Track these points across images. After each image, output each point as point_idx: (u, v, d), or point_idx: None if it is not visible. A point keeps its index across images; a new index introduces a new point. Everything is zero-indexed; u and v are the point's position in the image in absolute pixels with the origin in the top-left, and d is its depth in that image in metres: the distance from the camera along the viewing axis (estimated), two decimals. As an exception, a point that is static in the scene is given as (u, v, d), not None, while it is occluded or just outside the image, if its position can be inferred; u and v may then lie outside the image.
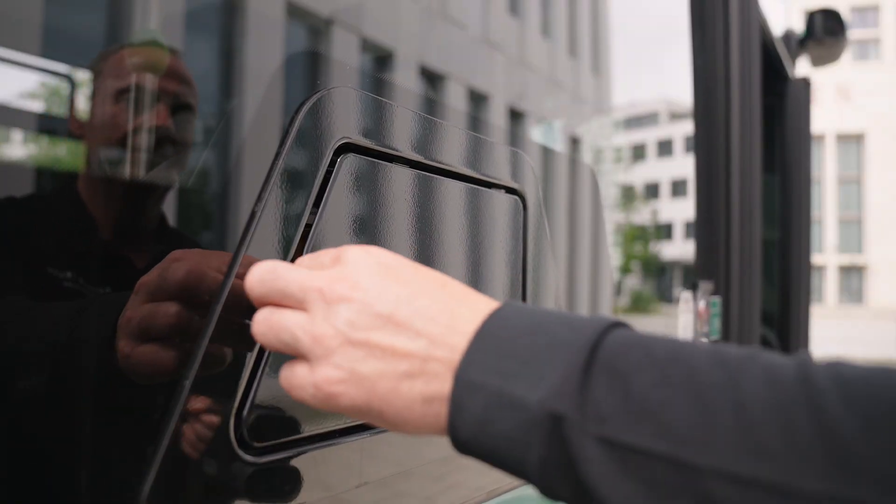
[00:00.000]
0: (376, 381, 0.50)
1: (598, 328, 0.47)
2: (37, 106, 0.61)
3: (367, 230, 0.97)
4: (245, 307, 0.60)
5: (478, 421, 0.48)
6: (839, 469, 0.37)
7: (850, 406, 0.39)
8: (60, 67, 0.62)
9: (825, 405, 0.39)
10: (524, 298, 1.15)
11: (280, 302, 0.55)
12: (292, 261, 0.69)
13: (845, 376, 0.41)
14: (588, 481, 0.43)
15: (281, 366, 0.56)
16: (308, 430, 0.80)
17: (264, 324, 0.55)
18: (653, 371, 0.44)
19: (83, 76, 0.64)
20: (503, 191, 1.10)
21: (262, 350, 0.72)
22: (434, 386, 0.50)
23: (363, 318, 0.51)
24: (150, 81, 0.68)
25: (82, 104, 0.64)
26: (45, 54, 0.60)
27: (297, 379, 0.53)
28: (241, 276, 0.59)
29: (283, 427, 0.76)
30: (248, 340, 0.60)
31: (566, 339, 0.47)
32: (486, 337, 0.49)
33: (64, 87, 0.63)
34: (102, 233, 0.67)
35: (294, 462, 0.74)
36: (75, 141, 0.64)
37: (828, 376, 0.41)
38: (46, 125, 0.62)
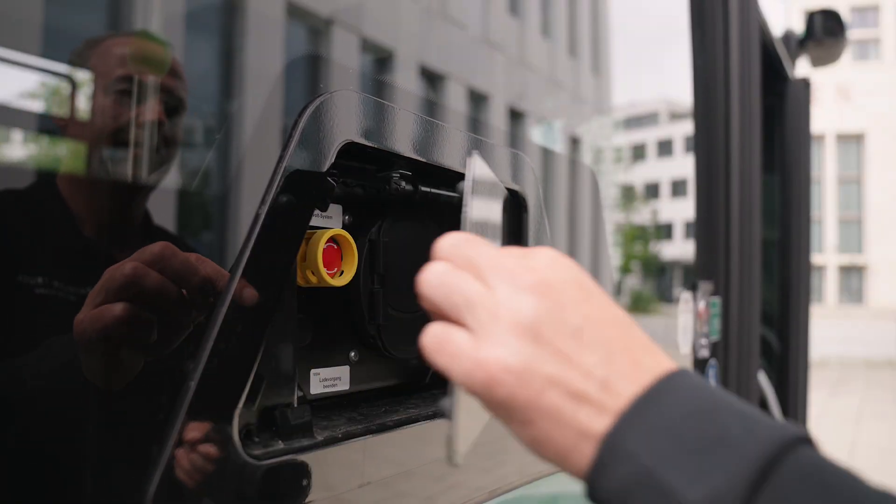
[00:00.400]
0: (547, 388, 0.47)
1: (779, 442, 0.43)
2: (18, 102, 0.59)
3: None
4: (248, 310, 0.61)
5: (618, 492, 0.45)
6: None
7: None
8: (47, 64, 0.60)
9: None
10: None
11: (463, 266, 0.52)
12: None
13: None
14: None
15: (423, 330, 0.51)
16: (312, 430, 0.80)
17: (438, 278, 0.51)
18: None
19: (66, 69, 0.62)
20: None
21: (266, 351, 0.72)
22: (595, 424, 0.46)
23: (552, 319, 0.48)
24: (138, 74, 0.66)
25: (65, 98, 0.62)
26: (37, 51, 0.60)
27: (455, 347, 0.48)
28: (246, 278, 0.59)
29: (287, 428, 0.77)
30: (252, 341, 0.60)
31: (739, 441, 0.43)
32: (653, 404, 0.45)
33: (46, 81, 0.61)
34: (85, 230, 0.65)
35: (297, 462, 0.74)
36: (56, 136, 0.62)
37: None
38: (26, 121, 0.60)
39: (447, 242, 0.54)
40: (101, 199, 0.66)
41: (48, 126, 0.60)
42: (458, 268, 0.52)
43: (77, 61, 0.62)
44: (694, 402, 0.45)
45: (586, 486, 0.48)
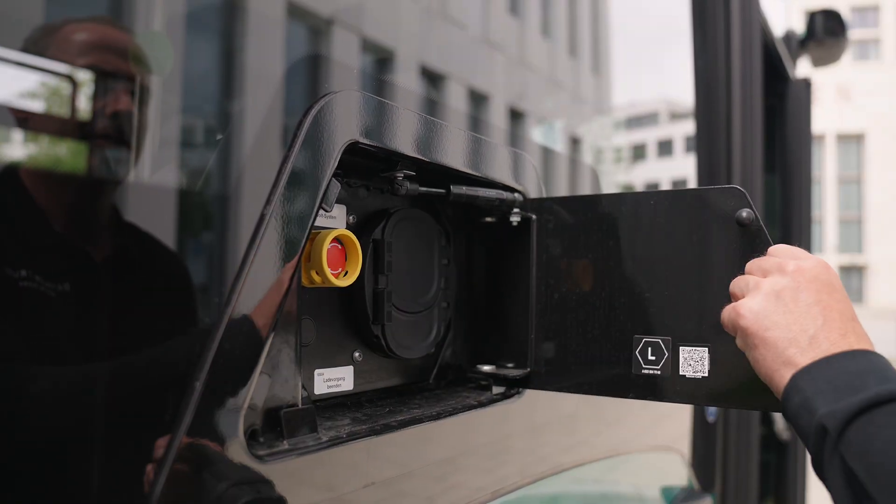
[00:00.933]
0: (772, 327, 0.77)
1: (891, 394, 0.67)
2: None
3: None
4: (253, 310, 0.60)
5: (793, 412, 0.73)
6: None
7: None
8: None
9: None
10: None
11: (757, 266, 0.85)
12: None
13: None
14: (827, 481, 0.69)
15: None
16: (316, 431, 0.80)
17: (755, 263, 0.85)
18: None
19: (21, 59, 0.58)
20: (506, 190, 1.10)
21: (270, 351, 0.72)
22: (796, 358, 0.75)
23: (793, 291, 0.78)
24: (98, 61, 0.63)
25: (25, 89, 0.58)
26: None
27: (731, 305, 0.83)
28: (251, 278, 0.59)
29: (292, 428, 0.77)
30: (257, 341, 0.60)
31: (867, 389, 0.68)
32: (832, 362, 0.72)
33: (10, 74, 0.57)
34: (54, 225, 0.64)
35: (301, 463, 0.74)
36: (21, 130, 0.59)
37: None
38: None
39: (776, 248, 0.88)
40: (64, 193, 0.64)
41: (8, 119, 0.58)
42: (754, 268, 0.86)
43: (33, 48, 0.59)
44: (857, 368, 0.71)
45: (781, 403, 0.76)
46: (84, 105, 0.62)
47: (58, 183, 0.63)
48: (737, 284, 0.85)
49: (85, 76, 0.63)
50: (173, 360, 0.66)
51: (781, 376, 0.75)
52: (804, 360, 0.74)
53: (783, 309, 0.78)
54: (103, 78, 0.64)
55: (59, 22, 0.62)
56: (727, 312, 0.84)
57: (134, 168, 0.67)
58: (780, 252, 0.85)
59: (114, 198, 0.67)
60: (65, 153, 0.63)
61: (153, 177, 0.68)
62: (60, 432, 0.58)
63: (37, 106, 0.59)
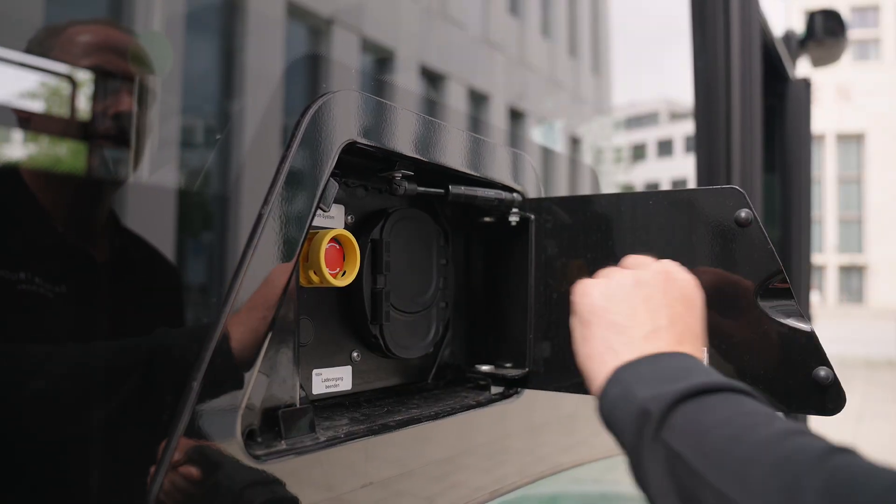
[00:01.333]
0: (614, 312, 0.75)
1: (722, 384, 0.63)
2: None
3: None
4: (259, 307, 0.60)
5: (609, 404, 0.68)
6: None
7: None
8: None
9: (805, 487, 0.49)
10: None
11: (640, 259, 0.84)
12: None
13: (840, 478, 0.49)
14: (645, 475, 0.61)
15: None
16: (314, 431, 0.80)
17: (633, 259, 0.85)
18: (727, 427, 0.58)
19: (24, 59, 0.58)
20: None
21: (269, 351, 0.72)
22: (621, 350, 0.72)
23: (653, 292, 0.77)
24: (102, 62, 0.63)
25: (28, 89, 0.58)
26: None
27: (595, 282, 0.81)
28: (249, 278, 0.59)
29: (290, 428, 0.77)
30: (255, 341, 0.60)
31: (693, 379, 0.64)
32: (660, 358, 0.69)
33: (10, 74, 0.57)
34: (57, 225, 0.64)
35: (299, 463, 0.74)
36: (23, 130, 0.59)
37: (828, 467, 0.49)
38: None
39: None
40: (67, 193, 0.64)
41: (11, 120, 0.58)
42: (629, 261, 0.85)
43: (38, 49, 0.59)
44: (685, 364, 0.68)
45: (597, 395, 0.71)
46: (88, 106, 0.62)
47: (60, 183, 0.63)
48: (602, 271, 0.84)
49: (89, 77, 0.63)
50: (171, 360, 0.66)
51: (603, 363, 0.72)
52: (631, 354, 0.71)
53: (632, 300, 0.76)
54: (108, 79, 0.64)
55: (63, 23, 0.63)
56: (577, 287, 0.82)
57: (136, 169, 0.67)
58: (665, 262, 0.82)
59: (116, 198, 0.67)
60: (67, 154, 0.63)
61: (151, 177, 0.68)
62: (58, 433, 0.58)
63: (40, 106, 0.59)
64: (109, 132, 0.64)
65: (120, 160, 0.66)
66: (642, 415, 0.63)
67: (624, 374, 0.69)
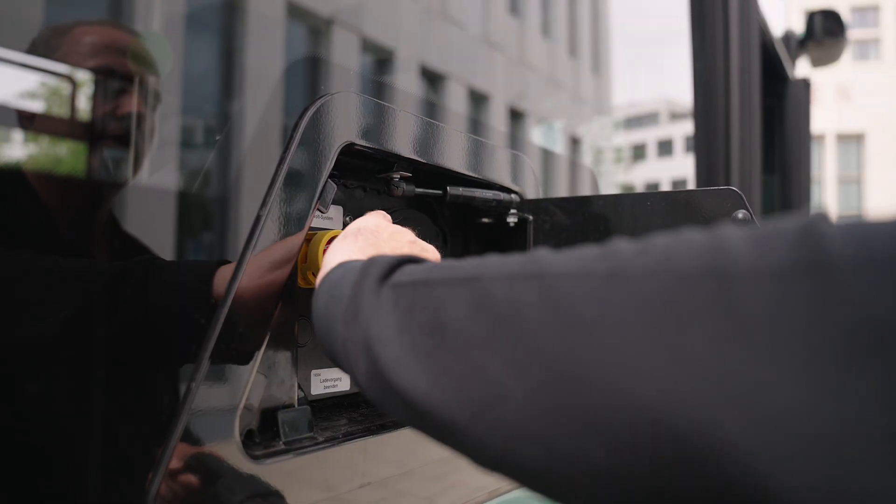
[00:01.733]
0: (375, 234, 0.70)
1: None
2: None
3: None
4: (252, 308, 0.60)
5: (328, 286, 0.61)
6: None
7: None
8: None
9: None
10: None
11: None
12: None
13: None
14: (362, 312, 0.53)
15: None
16: (312, 431, 0.80)
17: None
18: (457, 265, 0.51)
19: (25, 60, 0.57)
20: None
21: (267, 352, 0.72)
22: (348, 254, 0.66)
23: (378, 230, 0.72)
24: (106, 63, 0.63)
25: (31, 91, 0.58)
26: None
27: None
28: (247, 279, 0.59)
29: (289, 428, 0.77)
30: (253, 342, 0.60)
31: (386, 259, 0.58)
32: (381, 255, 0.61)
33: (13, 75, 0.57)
34: (59, 224, 0.64)
35: (298, 463, 0.75)
36: (25, 130, 0.58)
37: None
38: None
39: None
40: (70, 194, 0.64)
41: (13, 120, 0.57)
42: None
43: (42, 49, 0.58)
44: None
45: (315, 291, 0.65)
46: (93, 106, 0.62)
47: (64, 183, 0.63)
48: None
49: (95, 78, 0.63)
50: (170, 361, 0.66)
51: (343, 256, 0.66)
52: (362, 255, 0.66)
53: (400, 234, 0.72)
54: (114, 80, 0.64)
55: (69, 23, 0.62)
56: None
57: (139, 170, 0.67)
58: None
59: (119, 199, 0.67)
60: (70, 154, 0.63)
61: (150, 177, 0.68)
62: (56, 434, 0.58)
63: (44, 107, 0.59)
64: (115, 133, 0.64)
65: (124, 161, 0.66)
66: (365, 268, 0.56)
67: (347, 264, 0.62)
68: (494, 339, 0.41)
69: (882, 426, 0.27)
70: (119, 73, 0.64)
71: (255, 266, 0.70)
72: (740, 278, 0.32)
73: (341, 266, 0.63)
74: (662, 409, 0.32)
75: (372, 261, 0.57)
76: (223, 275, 0.68)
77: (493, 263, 0.46)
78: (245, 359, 0.70)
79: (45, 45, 0.59)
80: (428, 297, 0.48)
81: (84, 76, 0.62)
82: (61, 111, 0.60)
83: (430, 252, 0.74)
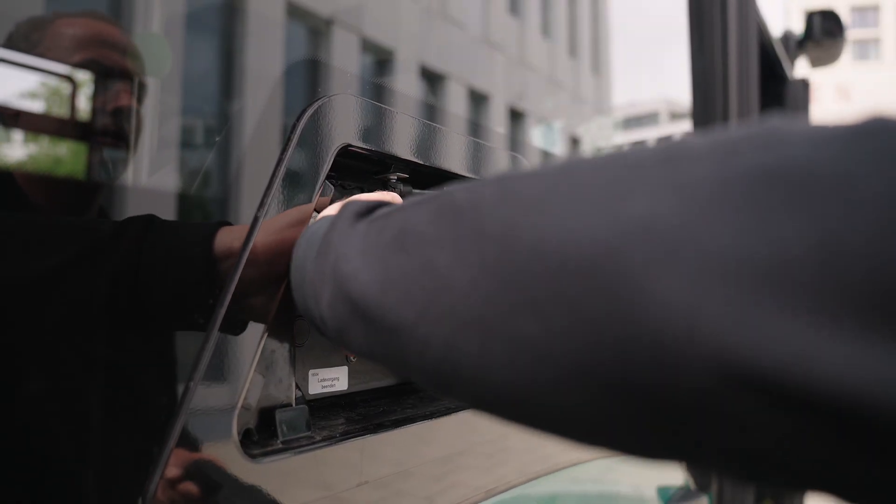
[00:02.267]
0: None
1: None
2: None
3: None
4: (247, 311, 0.60)
5: (308, 234, 0.62)
6: None
7: None
8: None
9: None
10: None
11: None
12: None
13: None
14: (335, 249, 0.53)
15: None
16: (310, 430, 0.81)
17: None
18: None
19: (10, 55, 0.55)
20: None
21: (265, 351, 0.72)
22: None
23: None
24: (95, 58, 0.62)
25: (14, 88, 0.56)
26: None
27: None
28: (244, 279, 0.60)
29: (287, 428, 0.77)
30: (251, 341, 0.60)
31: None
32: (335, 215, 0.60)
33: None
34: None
35: (296, 462, 0.75)
36: (12, 129, 0.57)
37: None
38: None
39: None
40: (67, 192, 0.63)
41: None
42: None
43: (22, 45, 0.56)
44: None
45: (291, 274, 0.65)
46: (79, 103, 0.62)
47: (52, 182, 0.62)
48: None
49: (80, 73, 0.62)
50: (167, 361, 0.66)
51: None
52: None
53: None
54: (100, 74, 0.63)
55: (48, 16, 0.61)
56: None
57: (130, 168, 0.67)
58: None
59: (109, 198, 0.67)
60: (57, 152, 0.62)
61: (148, 179, 0.69)
62: (53, 434, 0.59)
63: (29, 104, 0.58)
64: (105, 129, 0.63)
65: (113, 158, 0.66)
66: (340, 212, 0.56)
67: (309, 229, 0.63)
68: (447, 234, 0.43)
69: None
70: (106, 67, 0.63)
71: (266, 228, 0.71)
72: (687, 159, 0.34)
73: (323, 219, 0.63)
74: (575, 241, 0.35)
75: (350, 201, 0.57)
76: (224, 236, 0.68)
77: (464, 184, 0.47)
78: (240, 329, 0.69)
79: (25, 39, 0.57)
80: (396, 218, 0.49)
81: (69, 71, 0.61)
82: (48, 108, 0.59)
83: None
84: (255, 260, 0.68)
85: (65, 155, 0.62)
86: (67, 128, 0.61)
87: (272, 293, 0.71)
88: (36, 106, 0.58)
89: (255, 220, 0.71)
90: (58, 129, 0.61)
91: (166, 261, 0.65)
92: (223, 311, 0.66)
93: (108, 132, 0.63)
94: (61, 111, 0.61)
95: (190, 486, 0.64)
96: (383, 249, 0.48)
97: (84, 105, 0.62)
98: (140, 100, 0.66)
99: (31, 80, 0.58)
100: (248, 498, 0.70)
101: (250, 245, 0.69)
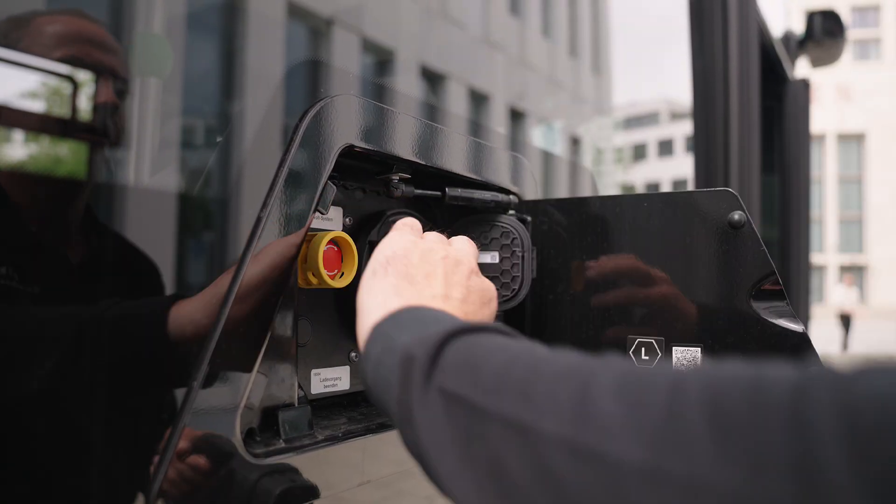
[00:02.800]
0: (409, 266, 0.69)
1: (478, 326, 0.57)
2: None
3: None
4: (250, 311, 0.61)
5: (373, 365, 0.59)
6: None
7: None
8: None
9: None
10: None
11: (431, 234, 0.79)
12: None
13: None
14: (420, 433, 0.52)
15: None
16: (312, 430, 0.81)
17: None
18: (504, 353, 0.51)
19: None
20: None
21: (267, 352, 0.73)
22: (391, 301, 0.64)
23: (431, 253, 0.71)
24: (76, 55, 0.61)
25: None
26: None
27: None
28: (248, 280, 0.60)
29: (288, 427, 0.78)
30: (254, 341, 0.61)
31: (451, 323, 0.58)
32: (421, 310, 0.62)
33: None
34: (29, 223, 0.61)
35: (298, 461, 0.75)
36: None
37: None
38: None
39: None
40: (46, 190, 0.62)
41: None
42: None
43: (2, 43, 0.56)
44: (440, 315, 0.61)
45: (360, 363, 0.65)
46: (63, 100, 0.61)
47: (34, 181, 0.61)
48: (403, 225, 0.78)
49: (62, 70, 0.61)
50: (171, 361, 0.66)
51: (382, 308, 0.64)
52: (398, 302, 0.64)
53: (435, 266, 0.70)
54: (79, 71, 0.62)
55: (27, 14, 0.60)
56: (383, 240, 0.75)
57: (118, 165, 0.66)
58: (471, 255, 0.77)
59: (95, 197, 0.66)
60: (40, 151, 0.61)
61: (151, 179, 0.69)
62: (53, 434, 0.59)
63: (11, 101, 0.57)
64: (90, 126, 0.63)
65: (95, 155, 0.64)
66: (407, 361, 0.55)
67: (384, 327, 0.61)
68: None
69: None
70: (87, 64, 0.62)
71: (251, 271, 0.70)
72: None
73: (380, 334, 0.61)
74: None
75: (410, 356, 0.55)
76: (180, 308, 0.66)
77: (544, 403, 0.46)
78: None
79: (5, 38, 0.57)
80: (482, 436, 0.48)
81: (51, 67, 0.60)
82: (31, 105, 0.59)
83: (463, 265, 0.72)
84: (243, 296, 0.68)
85: (46, 152, 0.61)
86: (49, 125, 0.60)
87: (265, 322, 0.71)
88: (16, 103, 0.57)
89: (258, 220, 0.71)
90: (41, 126, 0.60)
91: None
92: (226, 311, 0.66)
93: (89, 129, 0.63)
94: (43, 108, 0.60)
95: (193, 485, 0.65)
96: (480, 474, 0.48)
97: (66, 102, 0.61)
98: (121, 96, 0.65)
99: (11, 77, 0.57)
100: (250, 497, 0.70)
101: (248, 255, 0.69)
